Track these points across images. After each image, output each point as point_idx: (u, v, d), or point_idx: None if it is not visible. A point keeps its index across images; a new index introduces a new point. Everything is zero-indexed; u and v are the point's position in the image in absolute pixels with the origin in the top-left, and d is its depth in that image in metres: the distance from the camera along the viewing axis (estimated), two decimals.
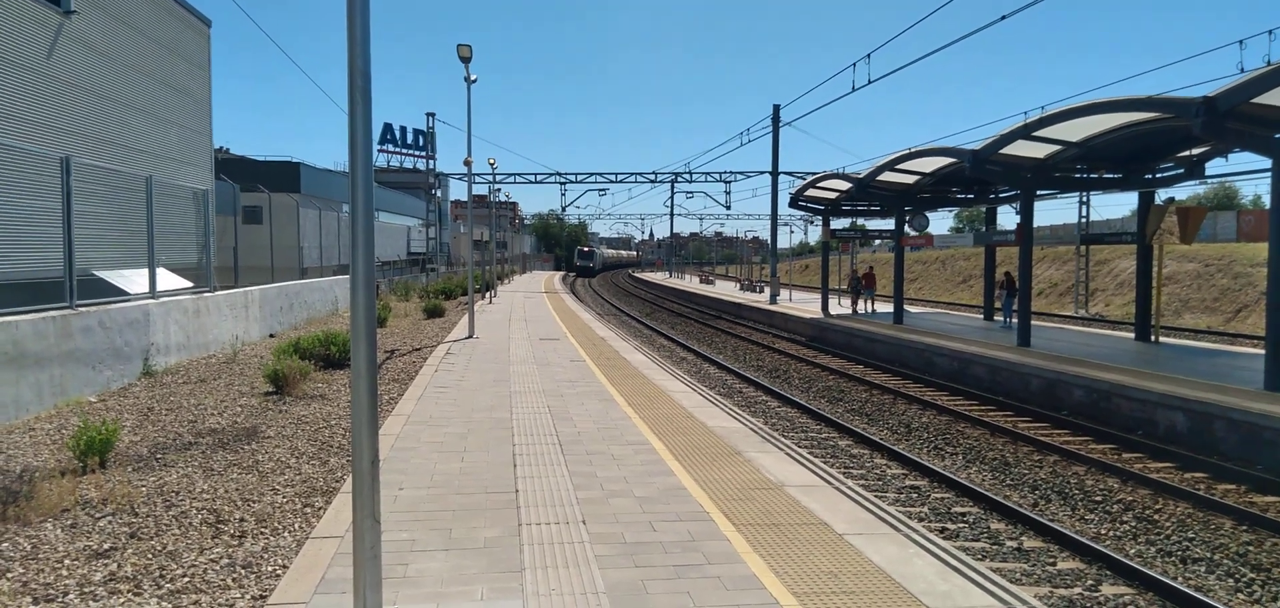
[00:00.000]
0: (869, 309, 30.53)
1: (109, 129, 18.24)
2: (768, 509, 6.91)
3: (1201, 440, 12.05)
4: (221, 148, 48.95)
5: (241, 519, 7.02)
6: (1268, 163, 13.34)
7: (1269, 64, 13.14)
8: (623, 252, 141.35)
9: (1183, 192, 35.34)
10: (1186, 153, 18.16)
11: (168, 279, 16.30)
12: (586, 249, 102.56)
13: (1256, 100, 12.31)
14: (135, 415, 10.94)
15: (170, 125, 21.34)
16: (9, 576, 5.69)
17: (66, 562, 5.97)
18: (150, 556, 6.16)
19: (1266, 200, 14.00)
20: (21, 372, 10.64)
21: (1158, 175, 19.41)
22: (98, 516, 6.93)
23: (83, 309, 12.32)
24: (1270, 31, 21.62)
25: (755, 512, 6.84)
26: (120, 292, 14.57)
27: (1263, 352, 13.69)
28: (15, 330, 10.59)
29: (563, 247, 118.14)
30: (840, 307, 32.92)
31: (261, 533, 6.74)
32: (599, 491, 7.37)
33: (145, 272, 15.09)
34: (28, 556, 6.05)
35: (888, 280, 32.66)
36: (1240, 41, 27.46)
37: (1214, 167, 18.99)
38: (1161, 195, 20.20)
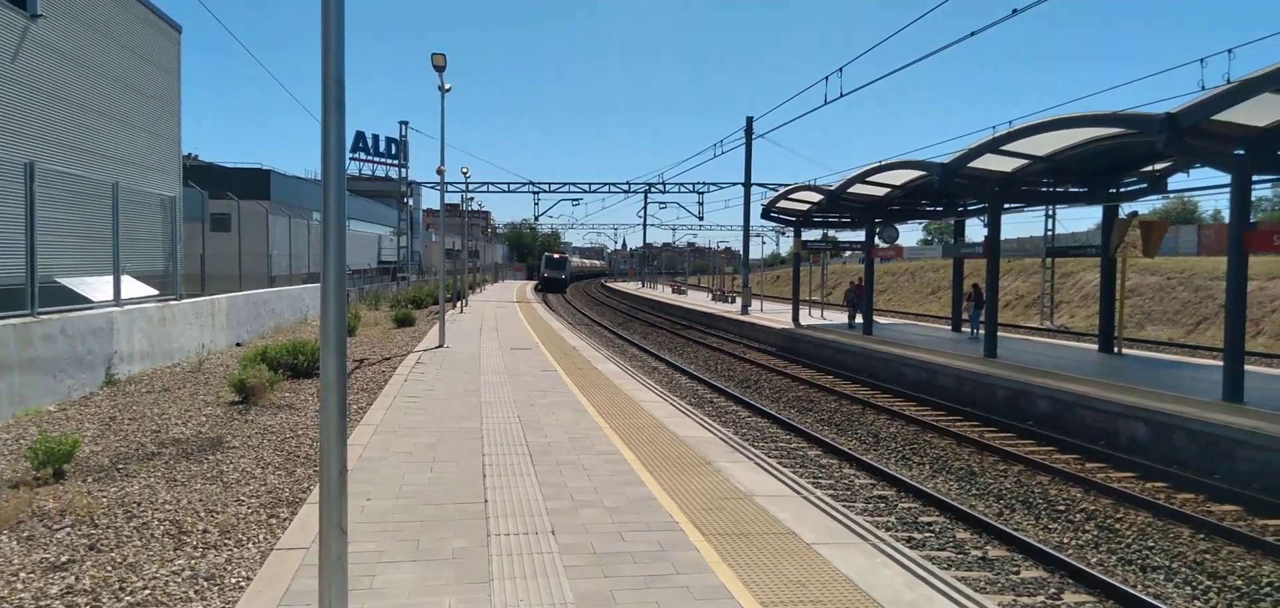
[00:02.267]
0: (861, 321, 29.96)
1: (74, 134, 17.96)
2: (737, 519, 6.94)
3: (1162, 451, 12.27)
4: (190, 155, 48.33)
5: (205, 530, 6.93)
6: (1227, 178, 13.67)
7: (1229, 82, 13.46)
8: (594, 262, 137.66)
9: (1145, 206, 36.06)
10: (1149, 168, 18.55)
11: (133, 287, 16.06)
12: (556, 256, 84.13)
13: (1217, 117, 12.60)
14: (97, 425, 10.76)
15: (138, 131, 21.05)
16: None
17: (21, 575, 5.86)
18: (110, 568, 6.06)
19: (1226, 215, 14.33)
20: None
21: (1122, 190, 19.79)
22: (55, 527, 6.81)
23: (44, 316, 12.11)
24: (1230, 51, 22.11)
25: (724, 521, 6.87)
26: (83, 299, 14.33)
27: (1222, 363, 13.97)
28: None
29: (535, 256, 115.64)
30: (811, 317, 33.13)
31: (225, 544, 6.65)
32: (569, 501, 7.37)
33: (109, 279, 14.86)
34: None
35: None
36: (1201, 60, 28.02)
37: (1176, 182, 19.37)
38: (1125, 209, 20.62)
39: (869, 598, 5.39)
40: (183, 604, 5.52)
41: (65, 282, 14.47)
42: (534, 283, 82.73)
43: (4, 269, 12.74)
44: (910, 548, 7.88)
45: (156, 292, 17.21)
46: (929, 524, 9.59)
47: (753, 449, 9.88)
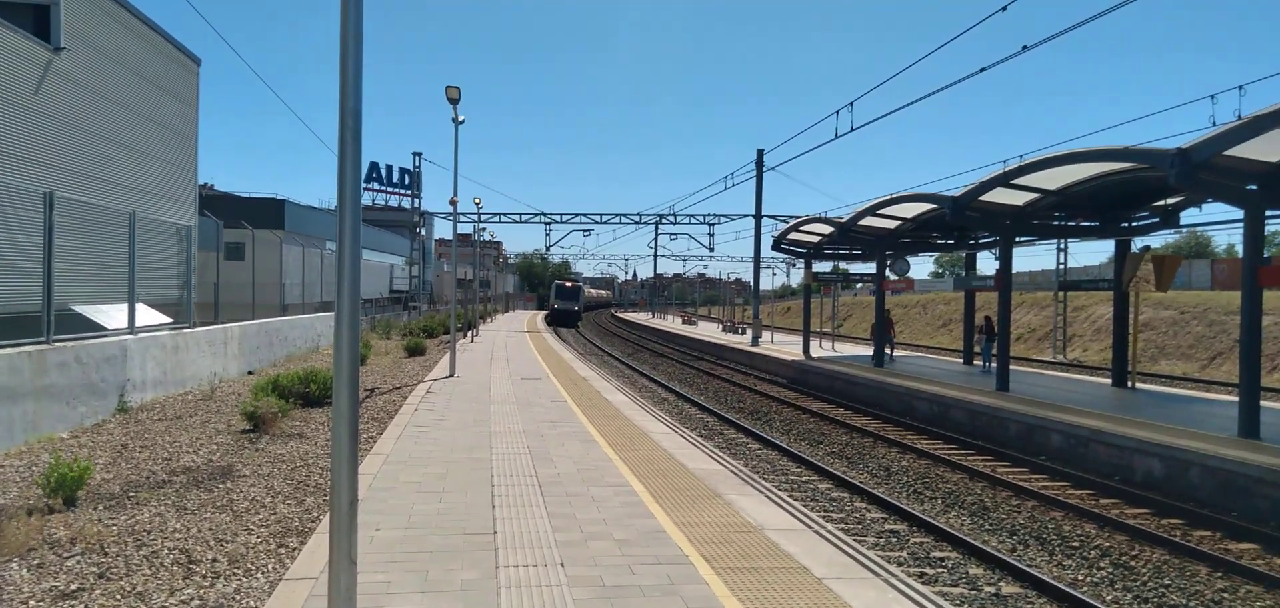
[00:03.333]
0: (891, 355, 29.01)
1: (93, 164, 18.19)
2: (747, 553, 6.90)
3: (1177, 487, 12.14)
4: (206, 184, 48.87)
5: (214, 560, 6.93)
6: (1240, 213, 13.61)
7: (1241, 118, 13.45)
8: (603, 292, 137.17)
9: (1157, 240, 35.91)
10: (1161, 202, 18.50)
11: (147, 315, 16.18)
12: (569, 283, 74.97)
13: (1229, 152, 12.57)
14: (108, 453, 10.80)
15: (155, 161, 21.31)
16: None
17: (30, 603, 5.86)
18: (118, 596, 6.06)
19: (1240, 250, 14.26)
20: None
21: (1134, 224, 19.74)
22: (66, 555, 6.82)
23: (59, 344, 12.20)
24: (1241, 87, 22.13)
25: (734, 555, 6.82)
26: (98, 327, 14.45)
27: (1237, 399, 13.83)
28: None
29: (546, 286, 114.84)
30: (822, 349, 33.03)
31: (234, 574, 6.65)
32: (578, 533, 7.34)
33: (124, 307, 14.98)
34: None
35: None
36: (1212, 95, 28.05)
37: (1188, 216, 19.29)
38: (1137, 244, 20.53)
39: None
40: None
41: (80, 309, 14.60)
42: (544, 314, 76.59)
43: (21, 296, 12.88)
44: (922, 584, 7.80)
45: (170, 319, 17.33)
46: (941, 560, 9.50)
47: (763, 482, 9.82)
